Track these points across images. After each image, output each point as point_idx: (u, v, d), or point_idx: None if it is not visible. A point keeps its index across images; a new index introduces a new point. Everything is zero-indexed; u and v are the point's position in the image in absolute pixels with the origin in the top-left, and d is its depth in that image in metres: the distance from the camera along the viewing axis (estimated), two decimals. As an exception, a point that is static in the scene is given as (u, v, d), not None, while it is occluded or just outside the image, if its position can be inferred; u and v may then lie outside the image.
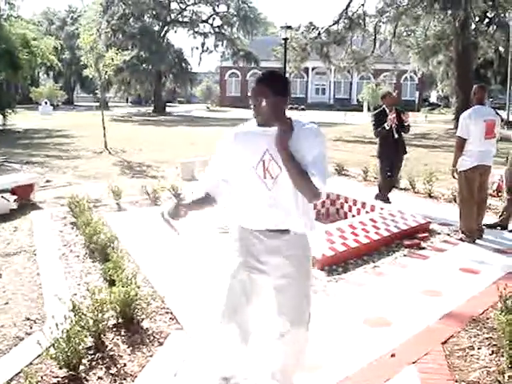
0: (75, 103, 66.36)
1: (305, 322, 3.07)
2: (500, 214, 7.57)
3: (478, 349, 4.01)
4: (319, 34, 29.63)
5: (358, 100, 52.76)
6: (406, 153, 8.64)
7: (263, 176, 2.85)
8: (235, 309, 3.04)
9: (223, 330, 3.08)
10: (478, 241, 6.83)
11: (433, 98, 65.54)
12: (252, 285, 3.04)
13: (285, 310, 2.99)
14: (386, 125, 8.33)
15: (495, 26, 29.86)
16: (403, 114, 8.43)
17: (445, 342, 4.10)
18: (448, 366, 3.74)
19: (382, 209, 7.44)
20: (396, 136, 8.36)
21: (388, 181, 8.70)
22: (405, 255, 6.30)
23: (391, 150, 8.44)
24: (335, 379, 3.55)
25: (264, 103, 2.78)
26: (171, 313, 4.62)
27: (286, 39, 23.32)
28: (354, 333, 4.28)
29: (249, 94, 2.99)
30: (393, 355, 3.88)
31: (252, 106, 2.89)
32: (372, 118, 8.78)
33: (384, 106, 8.50)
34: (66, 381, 3.51)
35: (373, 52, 31.15)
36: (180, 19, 50.76)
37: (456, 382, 3.53)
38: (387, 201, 8.31)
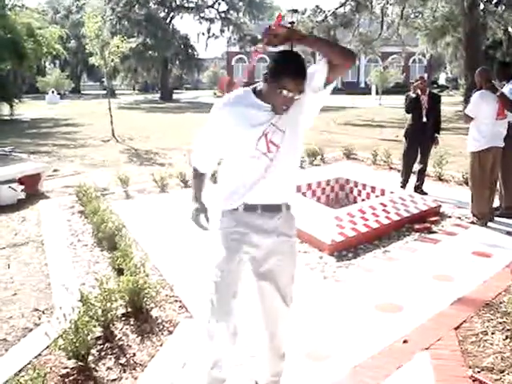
0: (82, 92, 66.24)
1: (289, 302, 2.97)
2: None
3: (492, 334, 3.95)
4: (326, 17, 29.35)
5: (366, 83, 52.38)
6: (434, 140, 8.49)
7: (266, 149, 2.67)
8: (226, 305, 2.82)
9: (213, 330, 2.85)
10: (489, 224, 6.75)
11: (441, 80, 64.93)
12: (241, 273, 2.85)
13: (279, 292, 2.87)
14: (411, 93, 8.29)
15: (504, 6, 29.46)
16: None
17: (457, 328, 4.04)
18: (461, 351, 3.69)
19: (391, 193, 7.36)
20: (425, 119, 8.26)
21: (408, 170, 8.57)
22: (415, 239, 6.23)
23: (418, 133, 8.33)
24: (347, 366, 3.50)
25: (296, 97, 2.57)
26: (180, 301, 4.58)
27: (292, 23, 22.79)
28: (365, 319, 4.23)
29: (276, 82, 2.56)
30: (405, 341, 3.83)
31: (278, 97, 2.57)
32: (405, 97, 8.69)
33: (417, 89, 8.38)
34: (75, 371, 3.49)
35: (380, 34, 30.87)
36: (185, 5, 50.43)
37: (470, 367, 3.47)
38: (418, 191, 8.21)
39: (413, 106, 8.33)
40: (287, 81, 2.51)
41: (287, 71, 2.53)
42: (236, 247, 2.80)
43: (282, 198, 2.83)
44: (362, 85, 58.45)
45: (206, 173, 3.05)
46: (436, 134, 8.39)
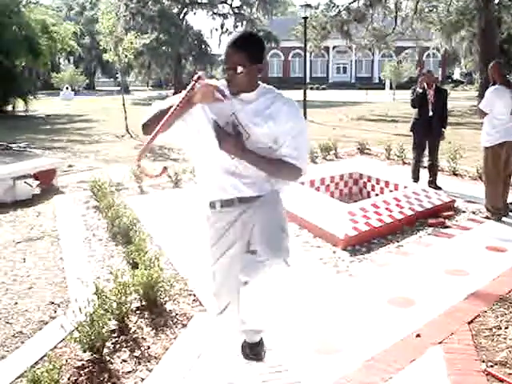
0: (96, 88, 66.54)
1: (285, 252, 2.69)
2: None
3: (505, 328, 3.95)
4: (339, 11, 29.25)
5: (379, 78, 52.20)
6: (442, 133, 8.45)
7: None
8: (229, 297, 3.01)
9: (223, 321, 3.09)
10: (504, 218, 6.72)
11: (456, 75, 64.57)
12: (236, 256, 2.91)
13: (263, 239, 2.70)
14: (418, 88, 8.27)
15: (519, 0, 29.20)
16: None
17: (471, 322, 4.04)
18: (474, 346, 3.69)
19: (405, 187, 7.35)
20: (431, 114, 8.24)
21: (417, 164, 8.56)
22: (429, 234, 6.22)
23: (424, 127, 8.31)
24: (359, 360, 3.51)
25: (239, 71, 2.62)
26: (194, 295, 4.61)
27: (305, 18, 23.00)
28: (378, 313, 4.23)
29: (223, 57, 2.67)
30: (418, 335, 3.83)
31: (225, 71, 2.68)
32: (411, 92, 8.66)
33: (423, 82, 8.36)
34: (91, 364, 3.52)
35: (394, 29, 30.69)
36: (199, 0, 50.36)
37: (483, 362, 3.47)
38: (432, 186, 8.16)
39: (419, 101, 8.31)
40: (225, 50, 2.63)
41: (227, 42, 2.66)
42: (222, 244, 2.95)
43: (254, 192, 2.82)
44: (376, 80, 58.33)
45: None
46: (442, 129, 8.37)
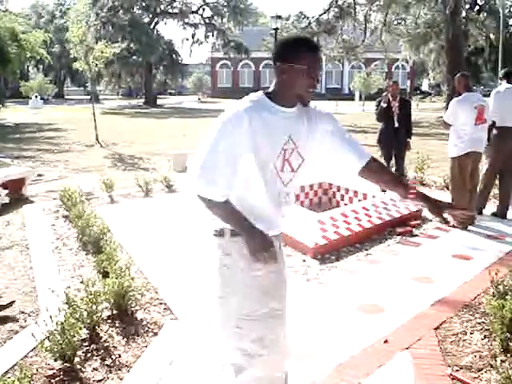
0: (66, 97, 65.97)
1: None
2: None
3: (471, 334, 4.04)
4: (309, 23, 29.54)
5: (349, 89, 52.70)
6: (407, 143, 8.60)
7: (281, 168, 2.38)
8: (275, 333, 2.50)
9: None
10: (469, 227, 6.86)
11: (424, 87, 65.49)
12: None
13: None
14: (382, 102, 8.41)
15: (485, 14, 29.91)
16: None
17: (437, 328, 4.13)
18: (441, 351, 3.77)
19: (373, 197, 7.46)
20: (396, 125, 8.39)
21: None
22: (397, 242, 6.34)
23: (389, 138, 8.46)
24: (329, 366, 3.57)
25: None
26: (165, 303, 4.63)
27: (276, 29, 23.24)
28: (347, 320, 4.30)
29: (299, 63, 2.27)
30: (386, 341, 3.90)
31: (303, 80, 2.31)
32: (375, 104, 8.81)
33: (388, 94, 8.52)
34: (62, 373, 3.51)
35: (363, 41, 31.10)
36: (170, 10, 50.47)
37: (449, 366, 3.55)
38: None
39: (385, 113, 8.47)
40: (313, 56, 2.31)
41: (310, 47, 2.33)
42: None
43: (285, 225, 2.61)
44: (346, 91, 58.87)
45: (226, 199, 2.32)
46: (408, 139, 8.54)
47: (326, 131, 2.48)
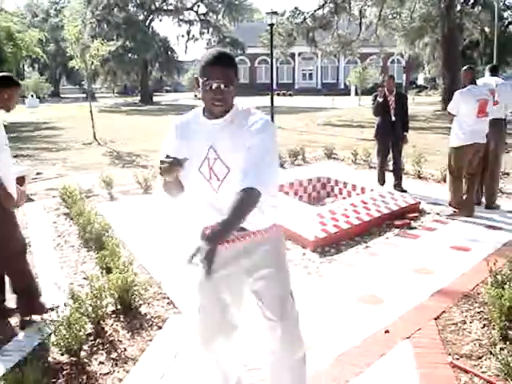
0: (61, 95, 65.90)
1: (292, 317, 2.79)
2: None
3: (470, 323, 4.11)
4: (305, 18, 29.65)
5: (345, 84, 52.75)
6: (404, 137, 8.64)
7: (209, 176, 2.53)
8: (214, 333, 2.80)
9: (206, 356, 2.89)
10: (468, 218, 6.95)
11: (420, 81, 65.53)
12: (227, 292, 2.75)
13: (268, 306, 2.68)
14: (378, 97, 8.45)
15: (480, 7, 30.00)
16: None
17: (437, 318, 4.19)
18: (441, 340, 3.84)
19: (372, 190, 7.52)
20: (393, 119, 8.44)
21: (383, 167, 8.77)
22: (396, 235, 6.40)
23: (386, 132, 8.51)
24: (331, 356, 3.63)
25: (228, 90, 2.42)
26: (168, 298, 4.69)
27: (271, 25, 23.18)
28: (348, 311, 4.36)
29: (202, 77, 2.42)
30: (387, 331, 3.96)
31: (206, 93, 2.43)
32: (372, 98, 8.85)
33: (384, 89, 8.56)
34: (68, 366, 3.58)
35: (359, 36, 31.18)
36: (165, 7, 50.42)
37: (449, 355, 3.62)
38: (398, 189, 8.37)
39: (381, 108, 8.50)
40: (208, 69, 2.39)
41: (207, 60, 2.41)
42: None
43: (250, 226, 2.61)
44: (342, 86, 58.94)
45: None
46: (404, 133, 8.59)
47: (244, 145, 2.44)
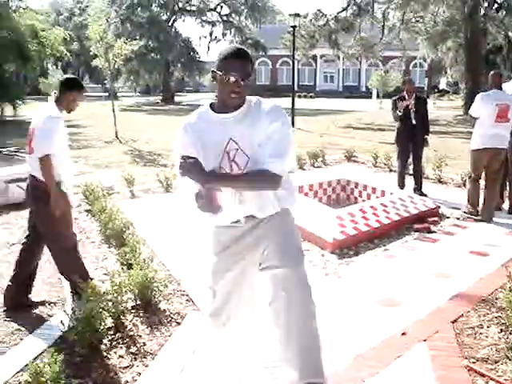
0: (84, 94, 66.33)
1: (302, 263, 2.92)
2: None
3: (487, 327, 4.11)
4: (327, 21, 29.60)
5: (367, 87, 52.58)
6: (425, 140, 8.61)
7: (230, 169, 2.66)
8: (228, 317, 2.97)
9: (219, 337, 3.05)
10: (487, 224, 6.94)
11: (442, 85, 65.03)
12: (241, 276, 2.93)
13: (278, 255, 2.81)
14: (398, 111, 8.41)
15: (504, 12, 29.66)
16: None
17: (454, 321, 4.20)
18: (457, 343, 3.85)
19: (391, 194, 7.52)
20: (414, 122, 8.40)
21: (403, 171, 8.74)
22: (415, 239, 6.40)
23: (407, 136, 8.48)
24: (348, 356, 3.66)
25: (245, 83, 2.57)
26: (187, 295, 4.75)
27: (294, 27, 23.19)
28: (366, 313, 4.39)
29: (220, 71, 2.56)
30: (404, 334, 3.98)
31: (224, 86, 2.58)
32: (391, 103, 8.84)
33: (404, 92, 8.55)
34: (88, 359, 3.64)
35: (381, 39, 31.09)
36: (188, 8, 50.59)
37: (465, 358, 3.63)
38: (417, 193, 8.32)
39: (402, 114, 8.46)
40: (227, 63, 2.53)
41: (226, 55, 2.56)
42: (226, 260, 2.92)
43: (263, 213, 2.79)
44: (363, 88, 58.72)
45: None
46: (425, 136, 8.56)
47: (265, 131, 2.59)
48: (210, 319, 3.03)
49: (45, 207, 4.26)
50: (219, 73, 2.56)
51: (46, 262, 5.62)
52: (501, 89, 7.09)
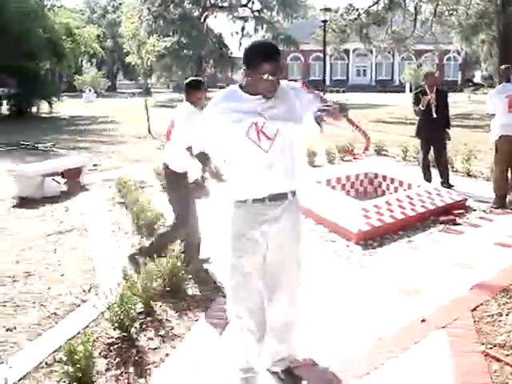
0: (118, 90, 67.25)
1: (299, 285, 3.23)
2: None
3: (506, 315, 4.19)
4: (359, 15, 29.48)
5: (400, 81, 52.24)
6: (447, 134, 8.65)
7: (257, 138, 2.86)
8: (249, 300, 3.12)
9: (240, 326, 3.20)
10: (515, 216, 7.01)
11: (477, 78, 64.17)
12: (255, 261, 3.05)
13: (282, 279, 3.11)
14: (420, 105, 8.44)
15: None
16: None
17: (474, 309, 4.29)
18: (476, 330, 3.94)
19: (418, 186, 7.58)
20: (435, 116, 8.43)
21: (425, 164, 8.77)
22: (440, 231, 6.47)
23: (428, 130, 8.51)
24: (369, 341, 3.79)
25: (279, 78, 2.82)
26: (214, 282, 4.92)
27: (325, 21, 23.31)
28: (387, 300, 4.51)
29: (254, 69, 2.78)
30: (423, 320, 4.09)
31: (260, 83, 2.79)
32: (412, 97, 8.88)
33: (425, 85, 8.60)
34: (120, 341, 3.84)
35: (413, 32, 30.83)
36: (219, 4, 50.81)
37: (482, 344, 3.73)
38: (445, 185, 8.35)
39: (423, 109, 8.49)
40: (263, 64, 2.73)
41: (261, 56, 2.76)
42: (246, 238, 3.01)
43: (286, 186, 2.99)
44: (396, 82, 58.27)
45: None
46: (446, 129, 8.58)
47: (297, 105, 2.90)
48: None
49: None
50: (251, 70, 2.78)
51: (81, 252, 5.89)
52: (509, 81, 7.41)
